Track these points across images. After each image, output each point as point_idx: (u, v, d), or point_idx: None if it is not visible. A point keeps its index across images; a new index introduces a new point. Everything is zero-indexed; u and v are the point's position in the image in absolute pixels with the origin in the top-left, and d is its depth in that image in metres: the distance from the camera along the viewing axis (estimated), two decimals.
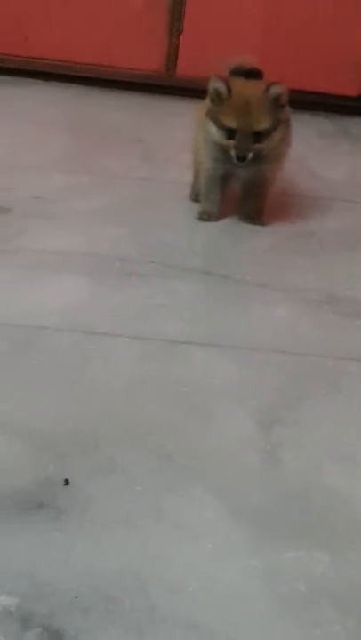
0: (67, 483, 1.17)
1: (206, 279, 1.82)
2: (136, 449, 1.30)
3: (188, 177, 2.24)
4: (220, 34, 2.66)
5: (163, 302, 1.71)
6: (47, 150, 2.35)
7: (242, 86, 1.90)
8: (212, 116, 1.91)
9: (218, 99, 1.90)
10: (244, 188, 2.02)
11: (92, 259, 1.84)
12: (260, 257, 1.95)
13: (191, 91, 2.69)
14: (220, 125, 1.90)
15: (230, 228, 2.04)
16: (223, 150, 1.91)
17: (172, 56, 2.69)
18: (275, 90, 1.88)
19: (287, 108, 1.97)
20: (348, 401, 1.48)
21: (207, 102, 1.95)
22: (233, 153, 1.89)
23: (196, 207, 2.07)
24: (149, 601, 1.02)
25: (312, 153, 2.13)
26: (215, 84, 1.89)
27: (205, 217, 2.03)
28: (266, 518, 1.18)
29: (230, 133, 1.89)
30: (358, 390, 1.51)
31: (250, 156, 1.89)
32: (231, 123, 1.88)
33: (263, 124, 1.88)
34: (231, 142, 1.89)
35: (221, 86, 1.88)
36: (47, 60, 2.71)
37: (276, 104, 1.88)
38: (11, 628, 0.96)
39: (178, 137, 2.49)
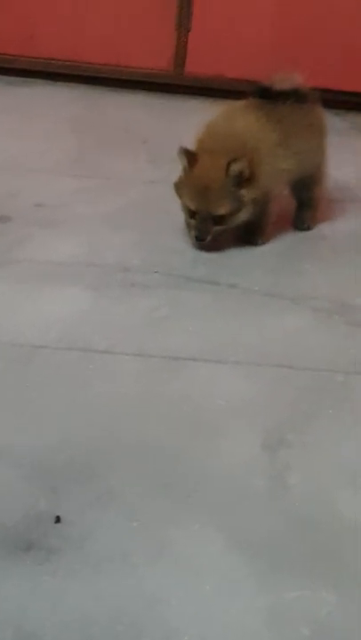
0: (58, 520, 1.11)
1: (213, 289, 1.76)
2: (135, 477, 1.24)
3: None
4: (229, 31, 2.58)
5: (166, 315, 1.65)
6: (53, 153, 2.29)
7: (204, 164, 1.82)
8: (179, 190, 1.87)
9: (183, 170, 1.85)
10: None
11: (95, 269, 1.78)
12: (270, 263, 1.88)
13: (200, 89, 2.63)
14: (182, 203, 1.86)
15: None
16: (188, 226, 1.87)
17: (181, 54, 2.62)
18: (235, 168, 1.80)
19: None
20: (357, 420, 1.41)
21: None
22: (192, 233, 1.84)
23: None
24: None
25: None
26: (179, 156, 1.84)
27: (198, 247, 1.93)
28: (270, 551, 1.12)
29: (191, 213, 1.84)
30: None
31: (209, 238, 1.83)
32: (190, 204, 1.84)
33: (222, 208, 1.82)
34: (192, 221, 1.84)
35: (183, 160, 1.84)
36: (54, 59, 2.65)
37: (238, 181, 1.80)
38: None
39: (186, 137, 2.41)
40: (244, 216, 1.85)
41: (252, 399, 1.44)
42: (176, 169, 2.25)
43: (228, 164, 1.79)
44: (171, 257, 1.85)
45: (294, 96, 1.90)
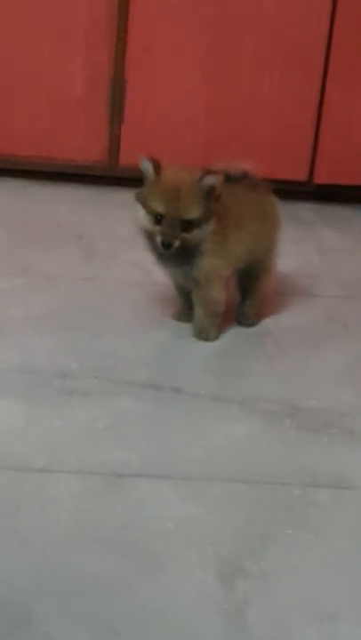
0: None
1: (156, 395, 1.65)
2: (75, 622, 1.11)
3: (135, 275, 2.08)
4: (162, 122, 2.52)
5: (107, 426, 1.53)
6: None
7: (174, 171, 1.75)
8: (141, 199, 1.77)
9: (147, 181, 1.75)
10: (193, 294, 1.86)
11: (28, 376, 1.66)
12: (214, 364, 1.79)
13: (136, 180, 2.56)
14: (148, 209, 1.75)
15: (180, 332, 1.87)
16: (150, 237, 1.76)
17: (115, 145, 2.55)
18: (209, 180, 1.73)
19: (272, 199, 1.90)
20: (319, 540, 1.30)
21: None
22: (158, 239, 1.73)
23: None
24: None
25: None
26: (143, 165, 1.75)
27: (177, 317, 1.91)
28: None
29: (158, 219, 1.74)
30: (330, 526, 1.33)
31: (176, 243, 1.73)
32: (158, 207, 1.74)
33: (193, 212, 1.73)
34: (158, 228, 1.74)
35: (148, 166, 1.74)
36: None
37: (209, 194, 1.74)
38: None
39: (122, 231, 2.33)
40: (208, 229, 1.75)
41: (203, 521, 1.32)
42: (115, 264, 2.17)
43: (203, 174, 1.73)
44: (110, 360, 1.74)
45: (246, 181, 1.84)
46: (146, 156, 1.76)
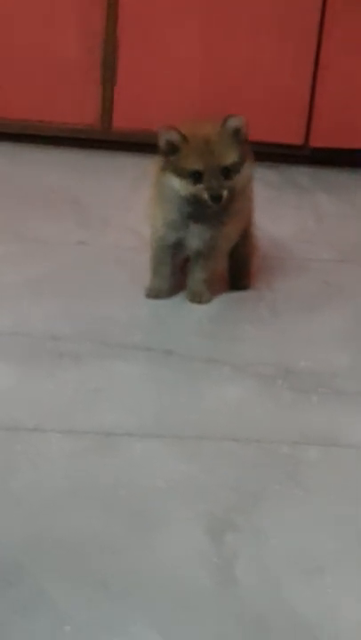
0: None
1: (149, 357, 1.66)
2: (68, 577, 1.12)
3: (129, 240, 2.08)
4: (155, 84, 2.52)
5: (99, 387, 1.54)
6: None
7: (195, 128, 1.74)
8: (171, 167, 1.75)
9: (173, 149, 1.73)
10: (192, 260, 1.85)
11: (21, 339, 1.66)
12: (207, 328, 1.79)
13: (129, 144, 2.56)
14: (182, 173, 1.73)
15: (174, 297, 1.87)
16: (193, 200, 1.74)
17: (108, 109, 2.55)
18: (232, 122, 1.73)
19: (252, 162, 1.83)
20: (308, 496, 1.31)
21: (159, 160, 1.78)
22: (206, 195, 1.71)
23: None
24: None
25: (257, 206, 1.98)
26: (166, 136, 1.73)
27: (154, 294, 1.86)
28: None
29: (197, 177, 1.72)
30: (319, 483, 1.35)
31: (225, 194, 1.72)
32: (196, 165, 1.71)
33: (229, 157, 1.72)
34: (200, 186, 1.72)
35: (174, 135, 1.72)
36: None
37: (236, 137, 1.73)
38: None
39: (117, 196, 2.33)
40: (246, 172, 1.76)
41: (195, 479, 1.33)
42: (109, 230, 2.17)
43: (225, 120, 1.72)
44: (104, 323, 1.74)
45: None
46: (164, 127, 1.73)
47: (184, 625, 1.06)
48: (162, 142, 1.74)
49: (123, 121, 2.56)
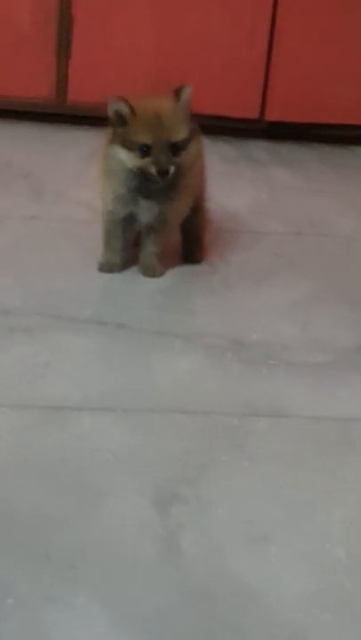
0: None
1: (100, 330, 1.65)
2: (10, 549, 1.12)
3: (82, 214, 2.06)
4: (111, 57, 2.49)
5: (49, 361, 1.53)
6: None
7: (147, 101, 1.73)
8: (120, 139, 1.73)
9: (121, 121, 1.72)
10: (144, 234, 1.84)
11: None
12: (160, 300, 1.79)
13: (84, 118, 2.54)
14: (130, 146, 1.72)
15: (127, 271, 1.87)
16: (139, 174, 1.72)
17: (62, 82, 2.52)
18: (186, 93, 1.71)
19: (200, 137, 1.82)
20: (255, 467, 1.32)
21: (108, 131, 1.76)
22: (153, 170, 1.70)
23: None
24: None
25: (212, 180, 1.97)
26: (115, 106, 1.71)
27: (107, 268, 1.85)
28: (160, 630, 1.02)
29: (145, 150, 1.71)
30: (266, 453, 1.35)
31: (172, 169, 1.71)
32: (144, 138, 1.70)
33: (180, 134, 1.71)
34: (148, 160, 1.71)
35: (122, 107, 1.70)
36: None
37: (187, 112, 1.72)
38: None
39: (71, 169, 2.31)
40: (193, 149, 1.76)
41: (142, 451, 1.33)
42: (63, 203, 2.15)
43: (177, 92, 1.72)
44: (55, 297, 1.73)
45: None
46: (114, 98, 1.72)
47: (128, 597, 1.06)
48: (110, 113, 1.72)
49: (78, 94, 2.54)
